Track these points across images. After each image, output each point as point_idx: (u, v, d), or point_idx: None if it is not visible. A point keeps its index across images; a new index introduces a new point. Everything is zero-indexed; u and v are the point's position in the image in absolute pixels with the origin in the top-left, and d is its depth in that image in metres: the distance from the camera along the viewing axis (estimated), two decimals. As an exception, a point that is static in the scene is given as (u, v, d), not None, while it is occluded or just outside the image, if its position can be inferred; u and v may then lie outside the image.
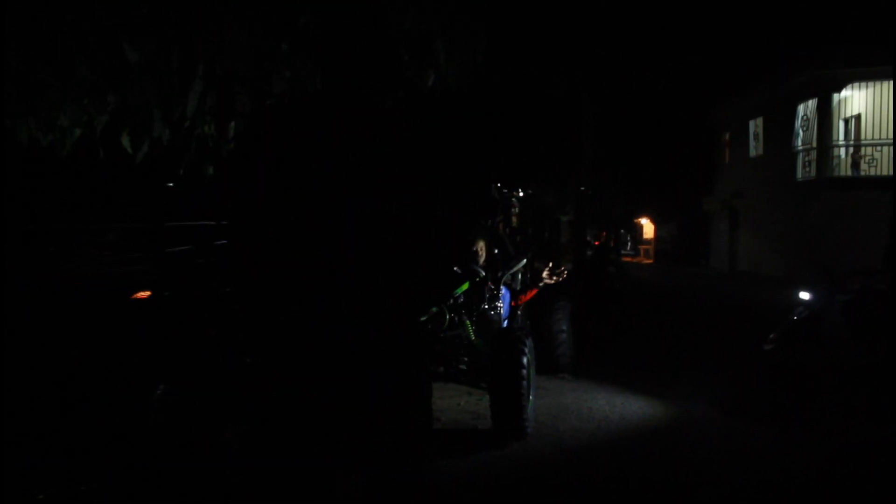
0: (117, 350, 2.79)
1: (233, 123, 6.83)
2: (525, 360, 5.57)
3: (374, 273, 2.14)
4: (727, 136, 28.68)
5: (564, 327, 7.93)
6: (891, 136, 21.36)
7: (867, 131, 21.85)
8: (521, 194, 8.31)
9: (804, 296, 6.94)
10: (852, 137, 22.24)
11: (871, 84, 21.40)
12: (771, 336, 6.88)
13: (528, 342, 5.81)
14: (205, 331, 2.90)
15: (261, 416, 2.42)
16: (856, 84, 21.41)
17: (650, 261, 36.91)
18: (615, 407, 6.85)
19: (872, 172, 21.10)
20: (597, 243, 15.97)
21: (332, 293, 2.13)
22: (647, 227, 41.34)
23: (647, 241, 40.65)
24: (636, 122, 29.40)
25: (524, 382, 5.55)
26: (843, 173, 21.37)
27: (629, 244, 45.42)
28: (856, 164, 21.28)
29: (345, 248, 2.12)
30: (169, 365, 2.79)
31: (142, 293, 2.88)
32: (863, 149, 21.58)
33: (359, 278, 2.13)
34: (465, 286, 6.28)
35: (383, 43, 2.29)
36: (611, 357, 9.18)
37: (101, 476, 2.89)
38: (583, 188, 20.55)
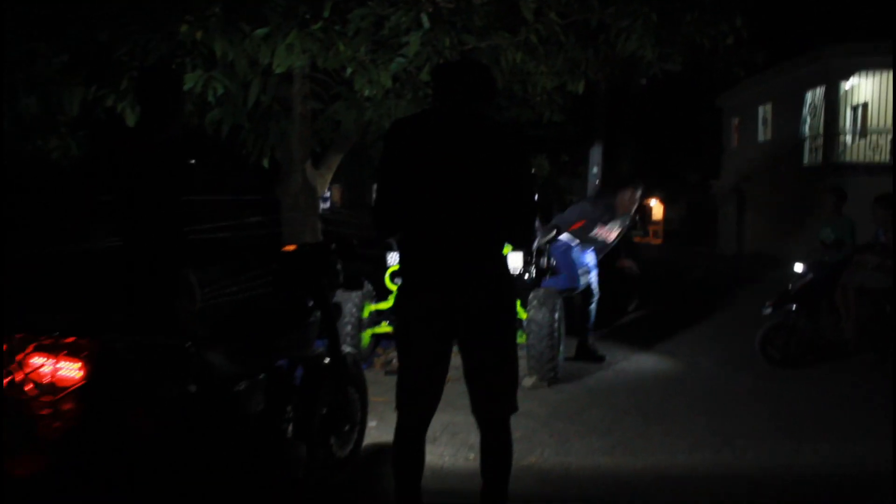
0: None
1: (297, 111, 7.83)
2: (557, 316, 6.58)
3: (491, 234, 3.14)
4: (736, 121, 29.43)
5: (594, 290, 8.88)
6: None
7: (873, 120, 22.65)
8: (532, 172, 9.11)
9: (798, 268, 7.90)
10: (859, 126, 23.06)
11: (878, 73, 22.17)
12: (768, 302, 7.84)
13: (559, 302, 6.81)
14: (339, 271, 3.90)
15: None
16: (863, 73, 22.19)
17: (659, 241, 37.72)
18: (631, 362, 7.88)
19: (878, 159, 21.91)
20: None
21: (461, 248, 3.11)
22: (657, 209, 42.11)
23: (657, 223, 41.41)
24: (648, 104, 30.14)
25: (555, 335, 6.56)
26: (848, 159, 22.15)
27: (638, 224, 46.15)
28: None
29: (466, 214, 3.10)
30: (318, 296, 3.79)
31: (289, 246, 3.85)
32: (874, 136, 22.37)
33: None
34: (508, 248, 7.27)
35: (486, 71, 3.29)
36: (627, 323, 10.21)
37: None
38: (595, 169, 21.41)
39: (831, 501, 4.36)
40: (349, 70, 5.85)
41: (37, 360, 2.39)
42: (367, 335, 7.16)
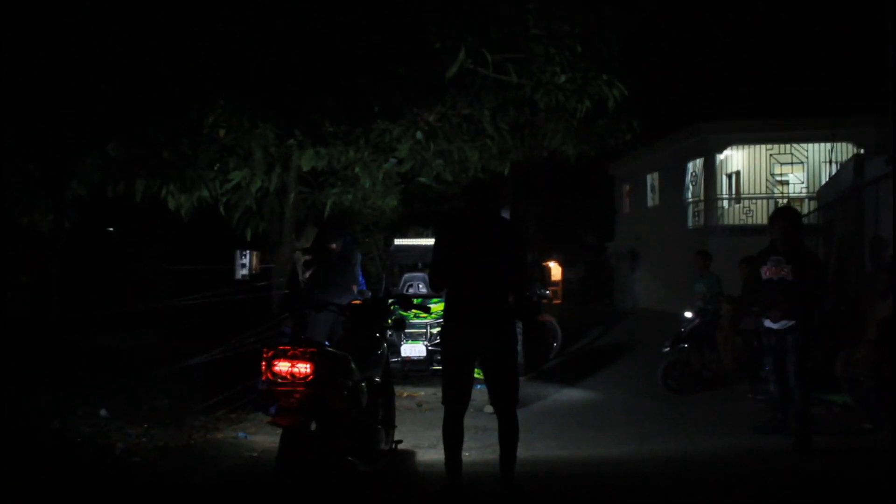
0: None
1: (292, 195, 9.53)
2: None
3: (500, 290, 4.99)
4: (628, 187, 32.29)
5: (520, 340, 10.84)
6: (763, 190, 25.36)
7: (745, 186, 25.75)
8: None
9: (688, 315, 10.06)
10: (733, 192, 26.12)
11: (747, 146, 25.35)
12: (666, 343, 9.93)
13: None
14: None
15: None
16: (735, 146, 25.32)
17: (558, 301, 40.03)
18: (562, 394, 9.82)
19: (750, 221, 24.87)
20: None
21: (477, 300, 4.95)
22: (555, 270, 44.63)
23: (556, 283, 43.82)
24: (548, 172, 32.80)
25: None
26: (726, 222, 25.02)
27: (539, 286, 48.58)
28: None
29: (486, 278, 4.95)
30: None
31: (356, 301, 5.66)
32: (746, 201, 25.43)
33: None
34: None
35: (497, 186, 5.20)
36: (552, 367, 12.20)
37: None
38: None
39: (712, 473, 6.27)
40: (357, 169, 7.65)
41: (286, 363, 4.08)
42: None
